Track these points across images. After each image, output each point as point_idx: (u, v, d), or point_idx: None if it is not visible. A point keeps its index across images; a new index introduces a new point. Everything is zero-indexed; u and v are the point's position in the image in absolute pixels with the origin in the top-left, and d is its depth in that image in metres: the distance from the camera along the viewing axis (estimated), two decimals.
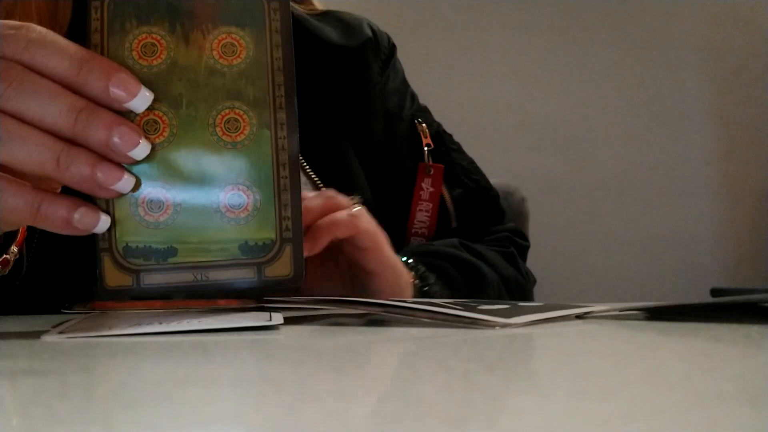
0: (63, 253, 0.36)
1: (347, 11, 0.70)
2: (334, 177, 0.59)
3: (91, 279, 0.50)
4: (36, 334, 0.30)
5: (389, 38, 0.72)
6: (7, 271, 0.41)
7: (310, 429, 0.14)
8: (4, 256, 0.41)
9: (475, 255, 0.59)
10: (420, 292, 0.51)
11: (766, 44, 1.51)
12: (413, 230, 0.64)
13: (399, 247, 0.64)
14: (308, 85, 0.61)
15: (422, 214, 0.64)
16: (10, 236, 0.40)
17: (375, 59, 0.68)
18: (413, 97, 0.71)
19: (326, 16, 0.68)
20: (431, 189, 0.64)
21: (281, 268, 0.35)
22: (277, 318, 0.33)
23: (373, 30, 0.69)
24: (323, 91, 0.63)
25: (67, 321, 0.35)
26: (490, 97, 1.53)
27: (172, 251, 0.34)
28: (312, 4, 0.70)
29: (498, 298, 0.58)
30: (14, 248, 0.41)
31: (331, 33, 0.66)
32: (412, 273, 0.52)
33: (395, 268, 0.48)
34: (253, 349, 0.26)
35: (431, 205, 0.64)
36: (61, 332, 0.30)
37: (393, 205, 0.65)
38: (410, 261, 0.53)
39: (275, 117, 0.35)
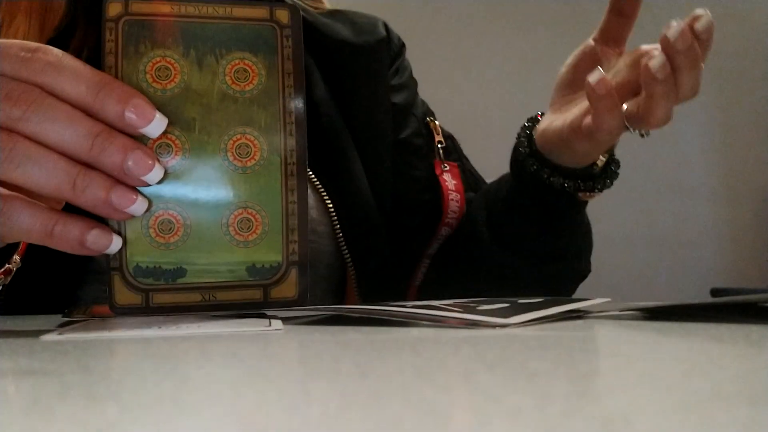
0: (52, 255, 0.36)
1: (359, 11, 0.70)
2: (334, 179, 0.59)
3: (81, 281, 0.50)
4: (36, 334, 0.30)
5: (399, 38, 0.72)
6: (8, 280, 0.41)
7: (310, 429, 0.14)
8: (7, 265, 0.41)
9: None
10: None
11: (766, 44, 1.51)
12: (447, 219, 0.63)
13: (424, 239, 0.64)
14: (314, 84, 0.61)
15: (453, 204, 0.64)
16: (11, 244, 0.40)
17: (387, 58, 0.68)
18: (424, 102, 0.71)
19: (336, 14, 0.68)
20: (454, 181, 0.65)
21: (287, 290, 0.36)
22: (277, 324, 0.33)
23: (387, 29, 0.69)
24: (330, 91, 0.62)
25: (66, 325, 0.35)
26: (490, 97, 1.53)
27: (181, 272, 0.34)
28: (321, 2, 0.70)
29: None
30: (17, 257, 0.41)
31: (341, 30, 0.65)
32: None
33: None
34: (253, 349, 0.26)
35: (459, 195, 0.64)
36: (60, 333, 0.30)
37: (423, 195, 0.64)
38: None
39: (285, 143, 0.35)
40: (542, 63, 1.54)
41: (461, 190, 0.64)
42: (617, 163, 0.54)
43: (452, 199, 0.63)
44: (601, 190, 0.54)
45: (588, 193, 0.53)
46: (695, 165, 1.53)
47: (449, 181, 0.64)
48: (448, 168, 0.65)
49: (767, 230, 1.51)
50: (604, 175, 0.53)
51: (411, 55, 0.73)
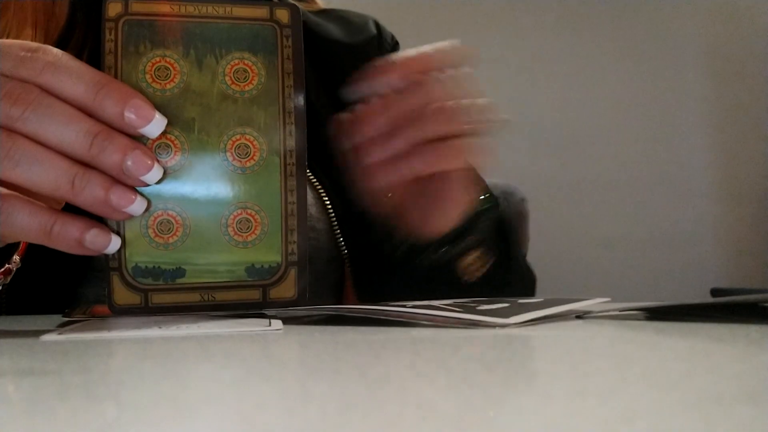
0: (54, 255, 0.36)
1: (351, 10, 0.70)
2: (331, 176, 0.59)
3: (83, 280, 0.50)
4: (36, 334, 0.30)
5: (393, 36, 0.71)
6: (8, 279, 0.41)
7: (309, 429, 0.14)
8: (6, 265, 0.41)
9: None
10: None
11: (766, 44, 1.51)
12: None
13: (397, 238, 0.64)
14: (308, 83, 0.61)
15: None
16: (11, 244, 0.40)
17: (379, 56, 0.68)
18: None
19: (328, 13, 0.68)
20: None
21: (285, 290, 0.36)
22: (277, 324, 0.33)
23: (378, 28, 0.69)
24: (323, 89, 0.62)
25: (66, 325, 0.35)
26: (490, 97, 1.52)
27: (180, 272, 0.34)
28: (315, 2, 0.70)
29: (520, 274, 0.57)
30: (17, 257, 0.41)
31: (333, 30, 0.65)
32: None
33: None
34: (253, 349, 0.26)
35: None
36: (60, 333, 0.30)
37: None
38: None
39: (285, 143, 0.35)
40: (540, 62, 1.54)
41: None
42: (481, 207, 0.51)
43: None
44: (480, 244, 0.50)
45: (467, 255, 0.50)
46: (695, 165, 1.53)
47: None
48: None
49: (767, 230, 1.52)
50: (474, 225, 0.50)
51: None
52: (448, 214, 0.46)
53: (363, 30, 0.67)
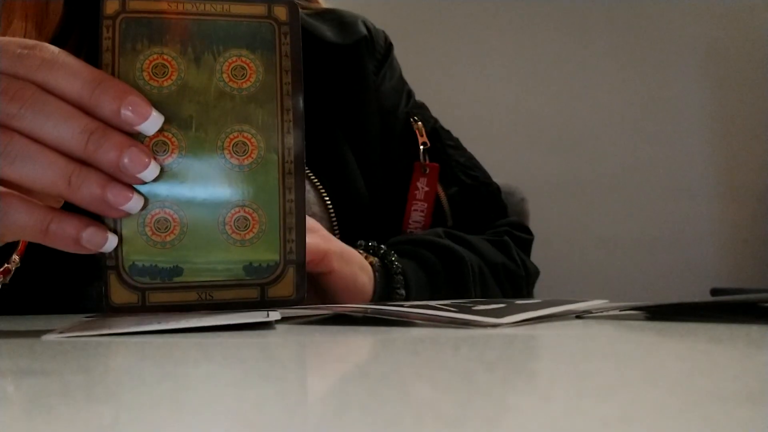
0: (54, 255, 0.36)
1: (346, 9, 0.70)
2: (331, 176, 0.60)
3: (90, 278, 0.50)
4: (36, 334, 0.30)
5: (386, 37, 0.71)
6: (8, 279, 0.41)
7: (310, 429, 0.14)
8: (6, 265, 0.41)
9: (457, 241, 0.59)
10: (384, 272, 0.52)
11: (766, 44, 1.51)
12: (408, 230, 0.64)
13: None
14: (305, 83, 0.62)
15: (417, 214, 0.64)
16: (10, 244, 0.40)
17: (370, 58, 0.68)
18: (409, 94, 0.71)
19: (323, 14, 0.68)
20: (426, 188, 0.64)
21: (284, 289, 0.35)
22: (275, 315, 0.33)
23: (368, 28, 0.69)
24: (319, 90, 0.63)
25: (68, 323, 0.35)
26: (490, 97, 1.53)
27: (177, 271, 0.34)
28: (317, 1, 0.70)
29: (481, 282, 0.58)
30: (16, 257, 0.41)
31: (326, 31, 0.65)
32: (374, 257, 0.53)
33: (347, 260, 0.49)
34: (253, 348, 0.26)
35: (426, 204, 0.64)
36: (61, 332, 0.30)
37: (389, 203, 0.65)
38: (371, 244, 0.53)
39: (283, 141, 0.35)
40: (540, 63, 1.54)
41: (431, 198, 0.64)
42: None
43: (416, 210, 0.64)
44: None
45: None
46: (695, 165, 1.53)
47: (421, 189, 0.64)
48: (427, 171, 0.65)
49: (767, 230, 1.51)
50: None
51: (405, 51, 0.73)
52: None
53: (354, 31, 0.67)
